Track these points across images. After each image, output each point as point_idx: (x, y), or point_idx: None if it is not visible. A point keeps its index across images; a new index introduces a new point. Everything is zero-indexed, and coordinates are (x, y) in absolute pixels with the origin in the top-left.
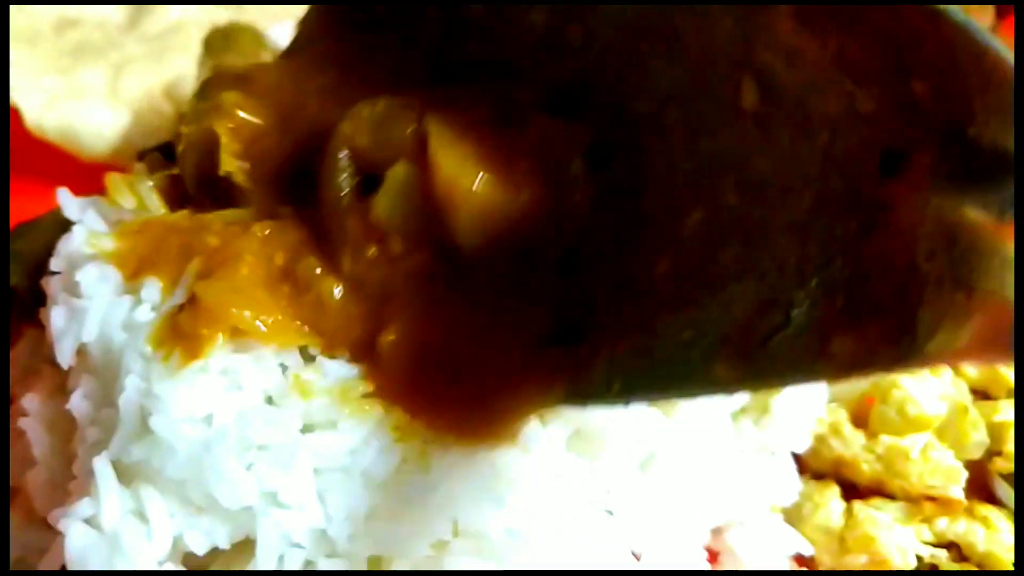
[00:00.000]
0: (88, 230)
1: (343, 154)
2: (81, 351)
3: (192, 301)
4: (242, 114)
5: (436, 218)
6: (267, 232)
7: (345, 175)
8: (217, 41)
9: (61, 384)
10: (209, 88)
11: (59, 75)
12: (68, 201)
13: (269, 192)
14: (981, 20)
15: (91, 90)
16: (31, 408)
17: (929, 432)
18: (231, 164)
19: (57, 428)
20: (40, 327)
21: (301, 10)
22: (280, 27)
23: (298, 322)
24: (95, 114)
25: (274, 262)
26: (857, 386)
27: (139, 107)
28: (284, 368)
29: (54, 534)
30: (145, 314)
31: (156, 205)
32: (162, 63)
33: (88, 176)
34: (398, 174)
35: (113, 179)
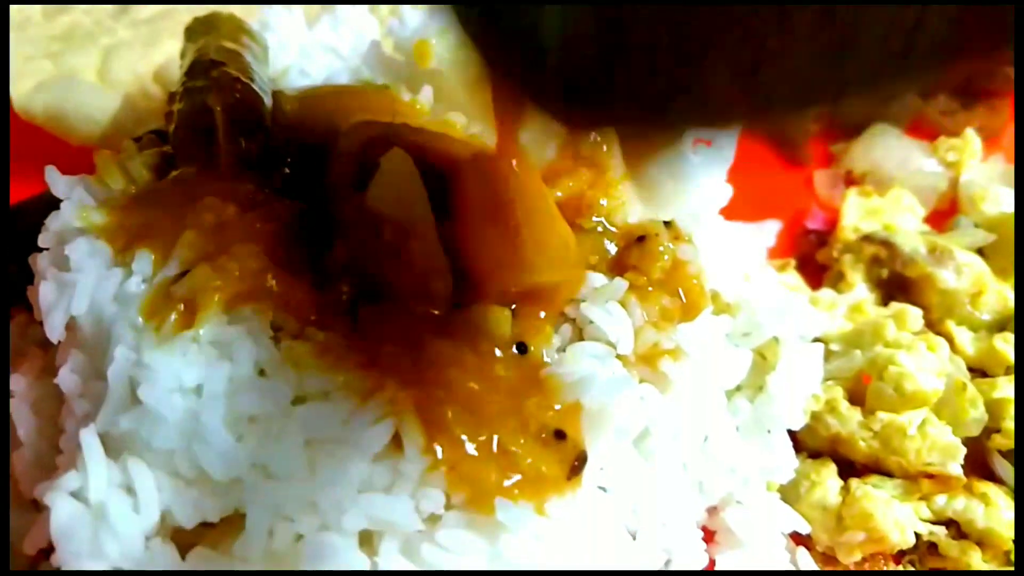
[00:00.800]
0: (78, 205)
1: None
2: (70, 326)
3: (188, 271)
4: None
5: None
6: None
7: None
8: (199, 28)
9: (48, 365)
10: (200, 65)
11: (49, 59)
12: (56, 179)
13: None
14: None
15: (81, 74)
16: (17, 389)
17: (927, 409)
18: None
19: (43, 409)
20: (29, 310)
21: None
22: (270, 9)
23: None
24: (85, 98)
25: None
26: (853, 363)
27: (129, 91)
28: (277, 340)
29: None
30: (137, 286)
31: (147, 181)
32: (151, 48)
33: (78, 162)
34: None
35: (102, 156)
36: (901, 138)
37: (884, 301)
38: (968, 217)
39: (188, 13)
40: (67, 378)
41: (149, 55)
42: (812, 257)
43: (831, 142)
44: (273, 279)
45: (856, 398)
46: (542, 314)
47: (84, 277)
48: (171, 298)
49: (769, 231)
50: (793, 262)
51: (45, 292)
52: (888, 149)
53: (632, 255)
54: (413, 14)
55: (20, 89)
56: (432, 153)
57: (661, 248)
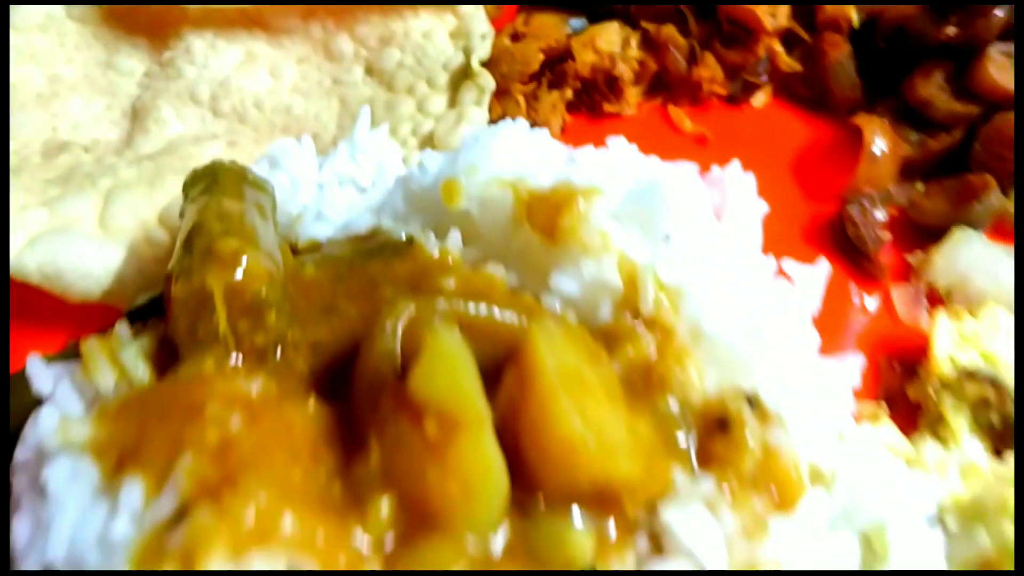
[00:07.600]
0: (60, 413)
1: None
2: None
3: (184, 513)
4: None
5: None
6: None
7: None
8: (198, 184)
9: None
10: (196, 237)
11: (45, 207)
12: (39, 370)
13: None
14: None
15: (79, 223)
16: None
17: None
18: (223, 325)
19: None
20: None
21: None
22: (278, 145)
23: None
24: (82, 252)
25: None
26: (976, 544)
27: (132, 239)
28: None
29: None
30: (124, 527)
31: (143, 375)
32: (156, 188)
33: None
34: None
35: (90, 348)
36: (987, 245)
37: (997, 452)
38: None
39: (196, 145)
40: None
41: (153, 196)
42: (900, 393)
43: (907, 251)
44: (289, 516)
45: None
46: (611, 524)
47: (63, 512)
48: (165, 549)
49: (852, 368)
50: (885, 411)
51: (20, 527)
52: (974, 259)
53: (716, 445)
54: (433, 159)
55: (12, 245)
56: (481, 332)
57: (748, 432)
